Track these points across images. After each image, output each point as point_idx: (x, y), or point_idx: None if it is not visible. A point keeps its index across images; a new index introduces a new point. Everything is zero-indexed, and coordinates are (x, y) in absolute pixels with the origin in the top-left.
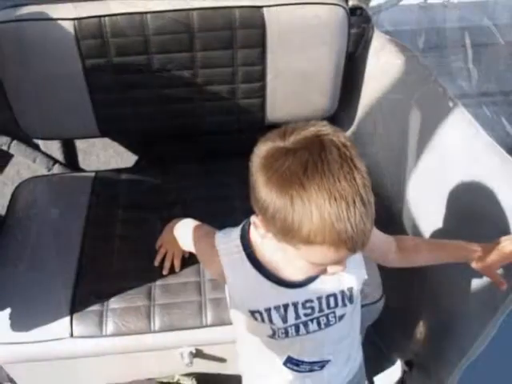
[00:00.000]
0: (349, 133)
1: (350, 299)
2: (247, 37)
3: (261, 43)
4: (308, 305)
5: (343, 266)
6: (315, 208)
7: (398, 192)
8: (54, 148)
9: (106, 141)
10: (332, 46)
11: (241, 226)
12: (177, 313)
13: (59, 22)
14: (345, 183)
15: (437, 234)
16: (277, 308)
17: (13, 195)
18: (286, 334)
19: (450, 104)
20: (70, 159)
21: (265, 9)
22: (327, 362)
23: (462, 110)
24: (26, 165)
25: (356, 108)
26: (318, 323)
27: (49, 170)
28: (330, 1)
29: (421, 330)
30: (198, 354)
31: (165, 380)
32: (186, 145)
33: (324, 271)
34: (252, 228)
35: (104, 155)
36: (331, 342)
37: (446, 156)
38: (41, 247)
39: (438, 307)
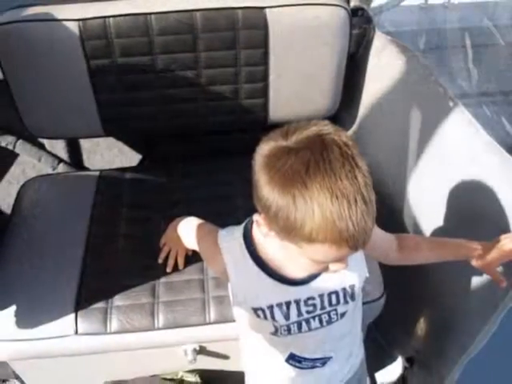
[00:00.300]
0: (350, 132)
1: (352, 297)
2: (250, 37)
3: (263, 44)
4: (310, 302)
5: (345, 263)
6: (317, 206)
7: (398, 190)
8: (58, 147)
9: (111, 140)
10: (334, 47)
11: (243, 224)
12: (180, 310)
13: (64, 22)
14: (346, 182)
15: (437, 233)
16: (279, 305)
17: (18, 194)
18: (289, 331)
19: (451, 104)
20: (75, 158)
21: (267, 10)
22: (329, 358)
23: (463, 109)
24: (31, 164)
25: (357, 108)
26: (320, 320)
27: (54, 169)
28: (331, 2)
29: (421, 326)
30: (202, 350)
31: (168, 377)
32: (189, 144)
33: (326, 269)
34: (254, 226)
35: (108, 154)
36: (333, 339)
37: (446, 155)
38: (46, 245)
39: (439, 304)
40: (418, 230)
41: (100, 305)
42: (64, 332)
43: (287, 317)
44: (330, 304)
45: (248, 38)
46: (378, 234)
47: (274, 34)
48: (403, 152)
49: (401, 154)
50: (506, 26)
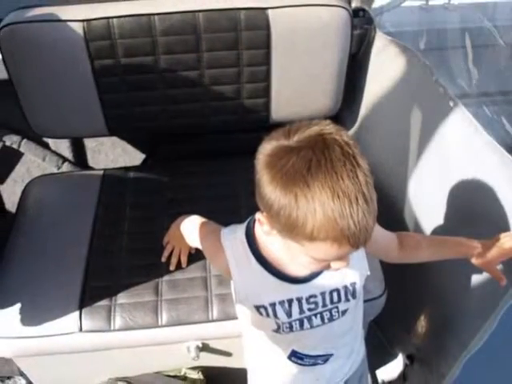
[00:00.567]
0: (351, 131)
1: (353, 294)
2: (252, 38)
3: (265, 44)
4: (312, 300)
5: (346, 261)
6: (319, 205)
7: (399, 189)
8: (63, 147)
9: (115, 140)
10: (335, 47)
11: (246, 222)
12: (183, 308)
13: (69, 23)
14: (348, 181)
15: (438, 231)
16: (281, 303)
17: (23, 193)
18: (291, 328)
19: (451, 104)
20: (79, 158)
21: (269, 10)
22: (331, 355)
23: (463, 109)
24: (36, 163)
25: (358, 107)
26: (322, 318)
27: (58, 169)
28: (333, 3)
29: (422, 324)
30: (205, 347)
31: (172, 373)
32: (192, 143)
33: (327, 267)
34: (257, 225)
35: (112, 154)
36: (334, 337)
37: (446, 154)
38: (50, 244)
39: (439, 302)
40: (418, 229)
41: (104, 302)
42: (68, 329)
43: (289, 314)
44: (332, 302)
45: (250, 39)
46: (379, 232)
47: (276, 34)
48: (404, 151)
49: (401, 153)
50: (506, 27)
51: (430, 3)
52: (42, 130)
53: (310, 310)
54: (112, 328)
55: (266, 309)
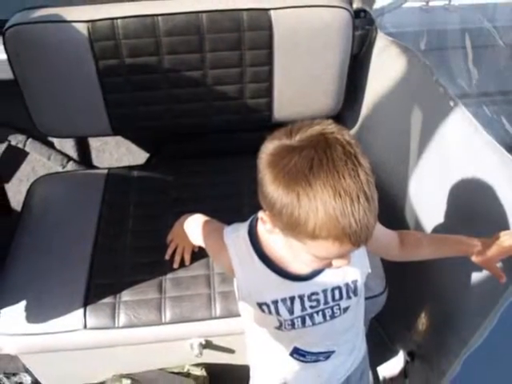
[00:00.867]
0: (353, 131)
1: (355, 292)
2: (255, 38)
3: (268, 45)
4: (314, 297)
5: (347, 259)
6: (320, 204)
7: (400, 188)
8: (68, 146)
9: (119, 139)
10: (337, 48)
11: (248, 221)
12: (187, 305)
13: (73, 24)
14: (349, 180)
15: (438, 230)
16: (283, 300)
17: (28, 191)
18: (293, 325)
19: (451, 103)
20: (84, 157)
21: (272, 11)
22: (332, 352)
23: (463, 109)
24: (41, 162)
25: (360, 107)
26: (324, 315)
27: (63, 168)
28: (335, 4)
29: (423, 321)
30: (208, 344)
31: (175, 370)
32: (195, 143)
33: (329, 265)
34: (259, 223)
35: (116, 153)
36: (336, 334)
37: (446, 154)
38: (55, 242)
39: (440, 299)
40: (419, 227)
41: (108, 300)
42: (73, 326)
43: (291, 312)
44: (334, 299)
45: (253, 39)
46: (380, 230)
47: (278, 35)
48: (405, 150)
49: (402, 152)
50: (506, 28)
51: (431, 4)
52: (47, 130)
53: (311, 307)
54: (116, 325)
55: (268, 306)
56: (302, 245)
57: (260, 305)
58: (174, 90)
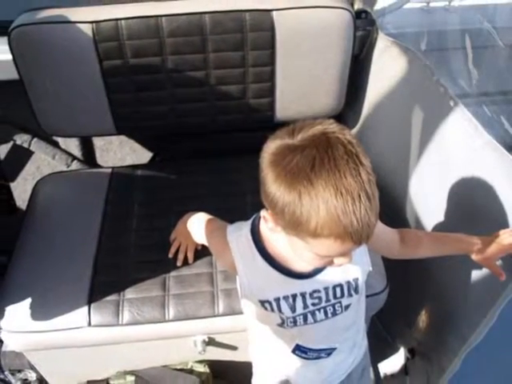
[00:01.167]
0: (354, 130)
1: (356, 289)
2: (257, 39)
3: (270, 45)
4: (315, 295)
5: (349, 257)
6: (322, 202)
7: (401, 187)
8: (72, 145)
9: (123, 138)
10: (338, 48)
11: (251, 220)
12: (190, 302)
13: (78, 24)
14: (350, 179)
15: (438, 228)
16: (285, 298)
17: (33, 190)
18: (295, 322)
19: (451, 103)
20: (88, 156)
21: (274, 12)
22: (334, 349)
23: (463, 109)
24: (46, 161)
25: (361, 107)
26: (325, 312)
27: (68, 167)
28: (336, 4)
29: (423, 319)
30: (211, 342)
31: (179, 367)
32: (198, 142)
33: (331, 263)
34: (262, 222)
35: (120, 152)
36: (337, 331)
37: (447, 153)
38: (60, 240)
39: (440, 297)
40: (419, 226)
41: (112, 297)
42: (78, 324)
43: (293, 309)
44: (335, 297)
45: (255, 40)
46: (381, 228)
47: (280, 35)
48: (405, 150)
49: (403, 151)
50: (505, 29)
51: (431, 5)
52: (52, 129)
53: (313, 304)
54: (120, 322)
55: (270, 304)
56: (304, 243)
57: (262, 302)
58: (178, 90)
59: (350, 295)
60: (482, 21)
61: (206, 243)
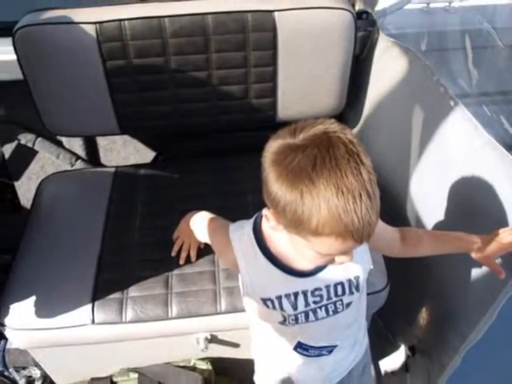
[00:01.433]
0: (355, 130)
1: (357, 287)
2: (259, 39)
3: (272, 46)
4: (317, 293)
5: (350, 256)
6: (323, 201)
7: (401, 186)
8: (76, 145)
9: (126, 138)
10: (339, 48)
11: (253, 218)
12: (193, 300)
13: (82, 25)
14: (352, 178)
15: (439, 227)
16: (287, 296)
17: (38, 189)
18: (296, 320)
19: (451, 103)
20: (92, 155)
21: (276, 13)
22: (335, 346)
23: (463, 108)
24: (50, 160)
25: (362, 107)
26: (327, 310)
27: (72, 166)
28: (337, 5)
29: (423, 316)
30: (213, 339)
31: (181, 364)
32: (201, 142)
33: (332, 261)
34: (264, 220)
35: (124, 152)
36: (339, 328)
37: (447, 152)
38: (64, 239)
39: (440, 295)
40: (420, 224)
41: (116, 295)
42: (81, 321)
43: (295, 307)
44: (336, 295)
45: (257, 40)
46: (382, 227)
47: (282, 36)
48: (406, 149)
49: (403, 150)
50: (505, 29)
51: (432, 6)
52: (56, 129)
53: (315, 302)
54: (124, 320)
55: (272, 301)
56: (306, 241)
57: (264, 300)
58: (180, 90)
59: (351, 293)
60: (482, 21)
61: (208, 242)
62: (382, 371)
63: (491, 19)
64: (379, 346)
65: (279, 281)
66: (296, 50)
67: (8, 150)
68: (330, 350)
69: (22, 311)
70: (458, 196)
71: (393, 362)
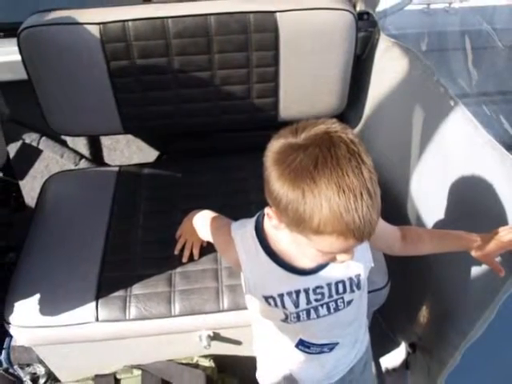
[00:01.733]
0: (356, 130)
1: (358, 285)
2: (261, 40)
3: (274, 46)
4: (318, 291)
5: (351, 254)
6: (325, 200)
7: (402, 185)
8: (80, 144)
9: (130, 138)
10: (341, 49)
11: (255, 217)
12: (195, 298)
13: (86, 26)
14: (353, 177)
15: (439, 226)
16: (289, 294)
17: (42, 188)
18: (298, 318)
19: (451, 103)
20: (96, 155)
21: (278, 14)
22: (336, 344)
23: (463, 108)
24: (54, 160)
25: (363, 106)
26: (328, 308)
27: (76, 165)
28: (339, 6)
29: (424, 314)
30: (216, 336)
31: (184, 361)
32: (204, 141)
33: (333, 259)
34: (266, 219)
35: (127, 151)
36: (340, 326)
37: (447, 152)
38: (68, 237)
39: (440, 293)
40: (420, 223)
41: (119, 293)
42: (85, 319)
43: (297, 305)
44: (337, 292)
45: (259, 41)
46: (382, 226)
47: (284, 36)
48: (406, 149)
49: (404, 150)
50: (504, 30)
51: (432, 7)
52: (60, 129)
53: (316, 300)
54: (127, 318)
55: (274, 299)
56: (307, 240)
57: (266, 298)
58: (183, 90)
59: (352, 291)
60: (482, 22)
61: (211, 240)
62: (383, 368)
63: (491, 20)
64: (380, 343)
65: (281, 279)
66: (298, 50)
67: (13, 149)
68: (331, 347)
69: (26, 309)
70: (458, 195)
71: (393, 359)
